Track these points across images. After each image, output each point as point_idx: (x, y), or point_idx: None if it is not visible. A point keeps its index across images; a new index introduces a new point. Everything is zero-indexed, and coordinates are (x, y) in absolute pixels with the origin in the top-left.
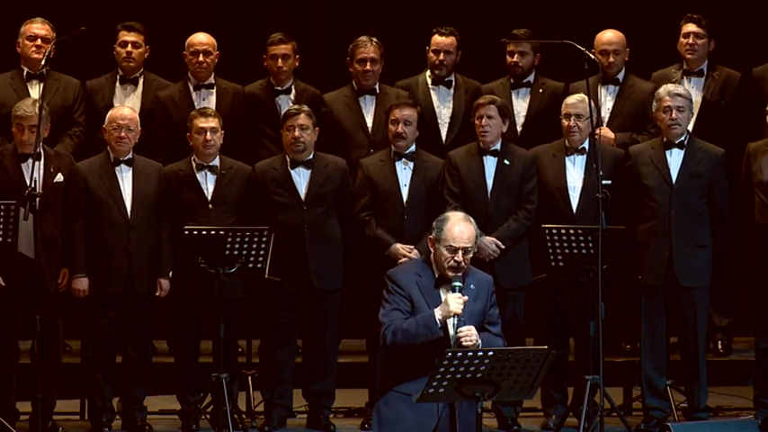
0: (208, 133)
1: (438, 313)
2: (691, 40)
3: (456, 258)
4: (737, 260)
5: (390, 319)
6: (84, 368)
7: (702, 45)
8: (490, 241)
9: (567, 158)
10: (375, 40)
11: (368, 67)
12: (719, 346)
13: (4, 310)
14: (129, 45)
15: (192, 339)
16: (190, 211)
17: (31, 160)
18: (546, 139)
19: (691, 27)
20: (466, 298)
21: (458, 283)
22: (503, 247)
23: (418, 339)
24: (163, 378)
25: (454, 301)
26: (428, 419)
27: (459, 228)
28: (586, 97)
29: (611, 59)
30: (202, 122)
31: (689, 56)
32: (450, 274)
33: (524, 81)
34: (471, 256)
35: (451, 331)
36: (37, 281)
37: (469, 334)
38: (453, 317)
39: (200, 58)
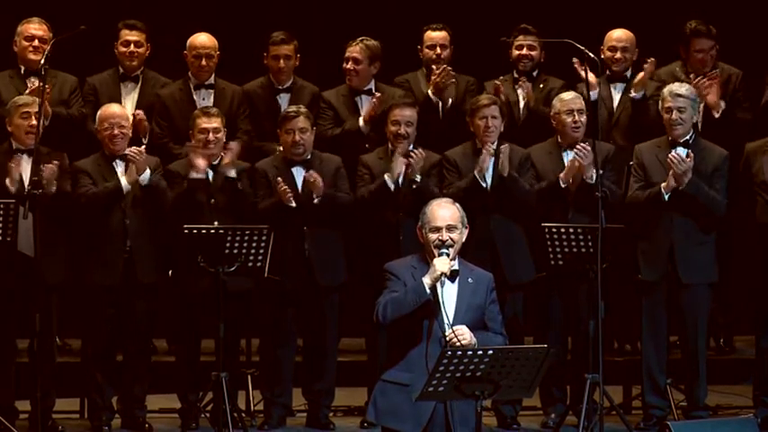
0: (210, 134)
1: (426, 278)
2: (706, 57)
3: (441, 237)
4: (737, 259)
5: (383, 298)
6: (84, 367)
7: (713, 56)
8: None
9: (564, 154)
10: (366, 41)
11: (349, 66)
12: (720, 344)
13: (2, 309)
14: (132, 44)
15: (194, 338)
16: (194, 210)
17: (28, 158)
18: (545, 130)
19: (704, 43)
20: (454, 264)
21: (445, 250)
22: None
23: (407, 305)
24: (163, 377)
25: (440, 262)
26: (424, 409)
27: (440, 208)
28: (580, 95)
29: (619, 56)
30: (205, 123)
31: (704, 68)
32: (438, 252)
33: (530, 75)
34: (459, 235)
35: (440, 296)
36: (36, 279)
37: (463, 333)
38: (441, 276)
39: (203, 61)
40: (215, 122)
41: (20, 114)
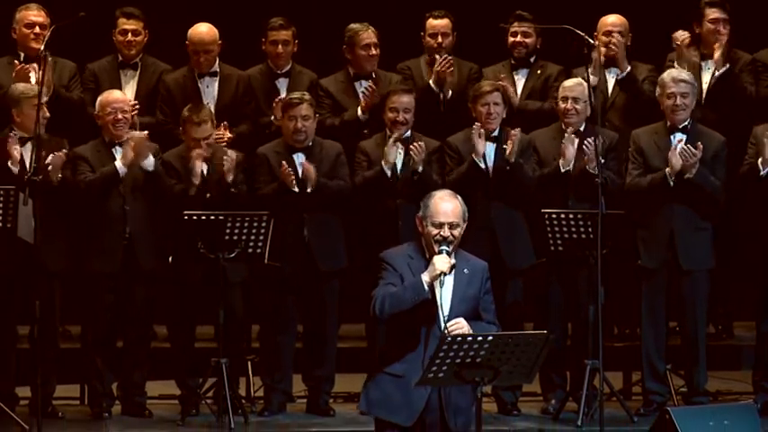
0: (202, 141)
1: (425, 276)
2: (721, 28)
3: (442, 233)
4: (738, 245)
5: (380, 292)
6: (84, 353)
7: (727, 31)
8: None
9: None
10: (369, 26)
11: (372, 51)
12: (718, 330)
13: (2, 296)
14: (129, 33)
15: (193, 324)
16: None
17: (29, 145)
18: (541, 117)
19: (718, 13)
20: (453, 261)
21: (445, 248)
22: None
23: (405, 303)
24: (163, 363)
25: (440, 261)
26: (416, 401)
27: (443, 203)
28: (584, 81)
29: (613, 41)
30: (197, 133)
31: (717, 43)
32: (438, 247)
33: (526, 61)
34: (459, 231)
35: (438, 294)
36: (36, 266)
37: (461, 327)
38: (441, 275)
39: (201, 58)
40: (206, 130)
41: (30, 105)
